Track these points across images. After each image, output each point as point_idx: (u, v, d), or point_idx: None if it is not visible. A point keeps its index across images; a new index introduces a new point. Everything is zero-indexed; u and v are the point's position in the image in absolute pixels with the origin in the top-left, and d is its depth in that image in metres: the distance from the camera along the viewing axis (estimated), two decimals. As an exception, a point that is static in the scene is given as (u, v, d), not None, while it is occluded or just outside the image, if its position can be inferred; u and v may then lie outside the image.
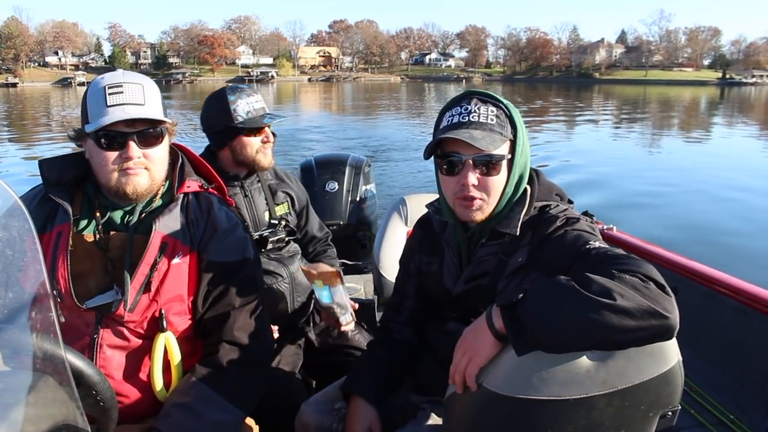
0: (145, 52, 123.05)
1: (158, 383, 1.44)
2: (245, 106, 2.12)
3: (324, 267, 1.95)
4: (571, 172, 11.98)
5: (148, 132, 1.39)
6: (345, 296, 1.95)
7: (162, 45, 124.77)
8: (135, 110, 1.36)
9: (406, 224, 2.85)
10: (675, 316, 1.02)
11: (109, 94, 1.36)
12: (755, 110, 38.36)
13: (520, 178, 1.41)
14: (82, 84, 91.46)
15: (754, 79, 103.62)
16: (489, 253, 1.43)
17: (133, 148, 1.37)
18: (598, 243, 1.23)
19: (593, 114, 32.97)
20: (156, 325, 1.43)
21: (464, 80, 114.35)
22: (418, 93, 62.75)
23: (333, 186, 3.45)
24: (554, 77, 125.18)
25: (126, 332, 1.42)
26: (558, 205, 1.42)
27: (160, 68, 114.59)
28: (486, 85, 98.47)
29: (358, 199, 3.51)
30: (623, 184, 10.95)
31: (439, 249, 1.57)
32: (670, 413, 1.17)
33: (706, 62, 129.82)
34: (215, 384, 1.43)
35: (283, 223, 2.24)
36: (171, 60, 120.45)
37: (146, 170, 1.41)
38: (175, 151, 1.57)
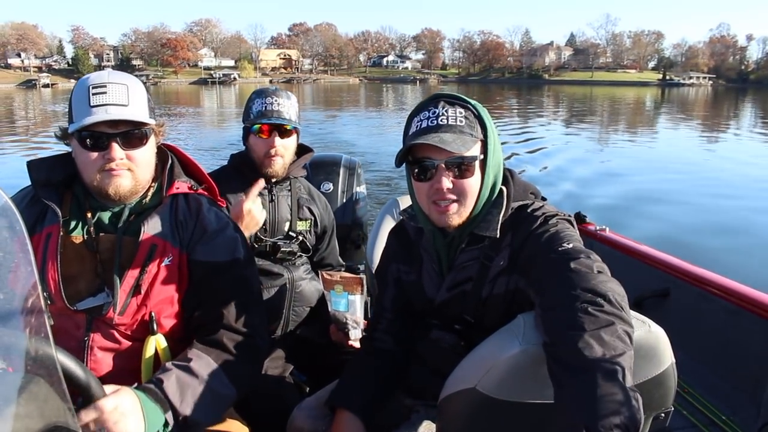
0: (108, 54, 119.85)
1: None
2: (259, 105, 2.06)
3: (346, 273, 1.91)
4: (531, 168, 12.28)
5: (131, 133, 1.37)
6: (361, 310, 1.87)
7: (125, 47, 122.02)
8: (117, 111, 1.34)
9: None
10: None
11: (93, 94, 1.34)
12: (696, 109, 40.20)
13: (495, 178, 1.38)
14: (46, 86, 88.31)
15: (691, 80, 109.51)
16: (470, 258, 1.39)
17: (116, 149, 1.35)
18: (569, 244, 1.20)
19: (545, 112, 34.15)
20: (146, 328, 1.42)
21: (420, 81, 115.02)
22: (376, 93, 64.12)
23: (328, 187, 3.36)
24: (506, 78, 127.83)
25: (116, 335, 1.41)
26: (534, 203, 1.40)
27: (123, 71, 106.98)
28: (441, 86, 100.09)
29: (352, 199, 3.45)
30: (586, 179, 11.22)
31: (417, 257, 1.53)
32: (663, 414, 1.18)
33: (650, 65, 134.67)
34: (215, 358, 1.40)
35: (300, 238, 2.19)
36: (134, 62, 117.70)
37: (129, 171, 1.39)
38: (165, 152, 1.54)
